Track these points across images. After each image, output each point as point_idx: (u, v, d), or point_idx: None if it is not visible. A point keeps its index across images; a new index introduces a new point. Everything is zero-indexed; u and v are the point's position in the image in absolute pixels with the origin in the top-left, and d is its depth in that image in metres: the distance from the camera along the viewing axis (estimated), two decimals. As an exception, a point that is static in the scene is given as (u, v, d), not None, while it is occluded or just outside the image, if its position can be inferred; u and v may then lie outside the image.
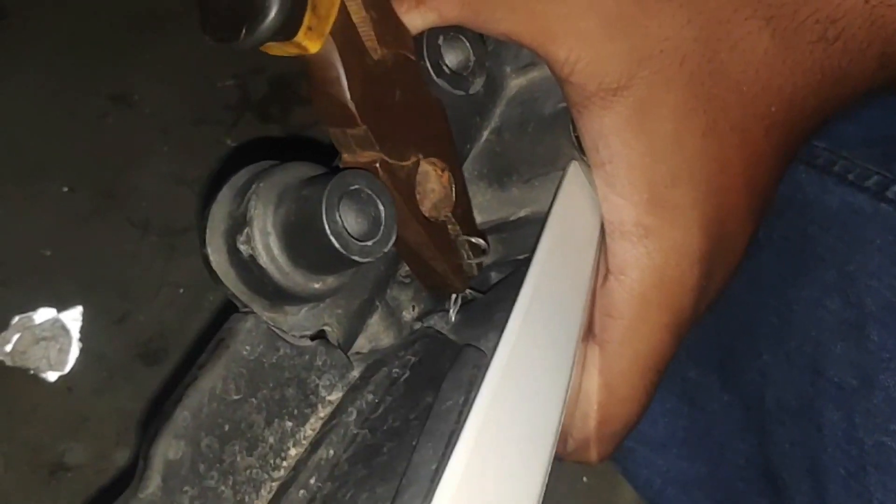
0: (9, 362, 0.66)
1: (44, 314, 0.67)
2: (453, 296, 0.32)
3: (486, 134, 0.34)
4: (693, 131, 0.30)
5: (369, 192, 0.26)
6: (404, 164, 0.28)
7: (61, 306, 0.68)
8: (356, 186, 0.26)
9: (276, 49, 0.25)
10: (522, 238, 0.33)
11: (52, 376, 0.66)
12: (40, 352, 0.65)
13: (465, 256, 0.31)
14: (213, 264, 0.26)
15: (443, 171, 0.30)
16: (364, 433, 0.27)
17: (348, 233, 0.25)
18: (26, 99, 0.78)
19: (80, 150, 0.76)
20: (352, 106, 0.26)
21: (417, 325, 0.33)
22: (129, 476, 0.24)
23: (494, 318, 0.29)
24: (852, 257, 0.44)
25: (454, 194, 0.30)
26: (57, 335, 0.66)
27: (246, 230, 0.25)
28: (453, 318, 0.31)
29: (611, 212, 0.30)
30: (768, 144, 0.32)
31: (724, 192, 0.31)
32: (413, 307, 0.33)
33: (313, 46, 0.25)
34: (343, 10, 0.25)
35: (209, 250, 0.26)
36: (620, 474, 0.58)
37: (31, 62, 0.80)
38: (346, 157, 0.28)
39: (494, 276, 0.34)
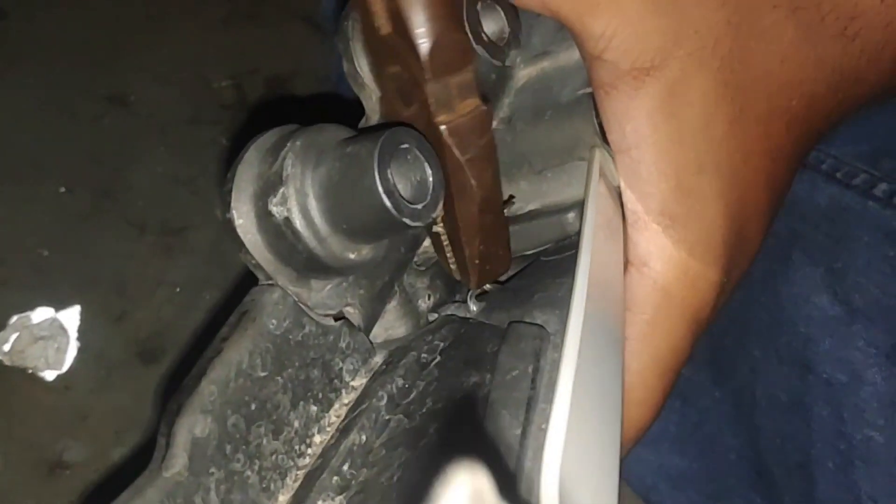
0: (7, 361, 0.66)
1: (41, 314, 0.67)
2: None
3: (494, 123, 0.33)
4: (720, 119, 0.29)
5: (417, 152, 0.24)
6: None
7: (59, 306, 0.68)
8: (406, 145, 0.24)
9: None
10: (535, 232, 0.32)
11: (50, 375, 0.66)
12: (38, 351, 0.65)
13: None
14: (239, 230, 0.24)
15: None
16: (398, 418, 0.26)
17: (400, 193, 0.23)
18: (23, 100, 0.79)
19: (77, 150, 0.77)
20: (467, 41, 0.24)
21: (433, 316, 0.31)
22: (139, 462, 0.22)
23: (534, 299, 0.28)
24: (840, 254, 0.44)
25: None
26: (55, 334, 0.66)
27: (281, 190, 0.23)
28: (473, 308, 0.30)
29: (634, 200, 0.29)
30: (788, 140, 0.31)
31: (746, 186, 0.30)
32: (428, 296, 0.32)
33: None
34: None
35: (235, 214, 0.24)
36: (613, 470, 0.58)
37: (29, 63, 0.81)
38: (441, 118, 0.26)
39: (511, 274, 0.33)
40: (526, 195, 0.32)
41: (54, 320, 0.67)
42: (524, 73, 0.34)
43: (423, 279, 0.32)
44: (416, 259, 0.32)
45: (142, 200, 0.75)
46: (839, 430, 0.44)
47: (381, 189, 0.23)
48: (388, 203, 0.23)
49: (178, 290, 0.71)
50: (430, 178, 0.24)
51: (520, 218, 0.32)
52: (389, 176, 0.23)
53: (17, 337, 0.66)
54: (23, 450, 0.64)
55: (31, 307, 0.67)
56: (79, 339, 0.67)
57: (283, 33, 0.84)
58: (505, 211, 0.30)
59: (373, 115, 0.31)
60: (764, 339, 0.48)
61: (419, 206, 0.24)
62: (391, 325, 0.30)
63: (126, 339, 0.69)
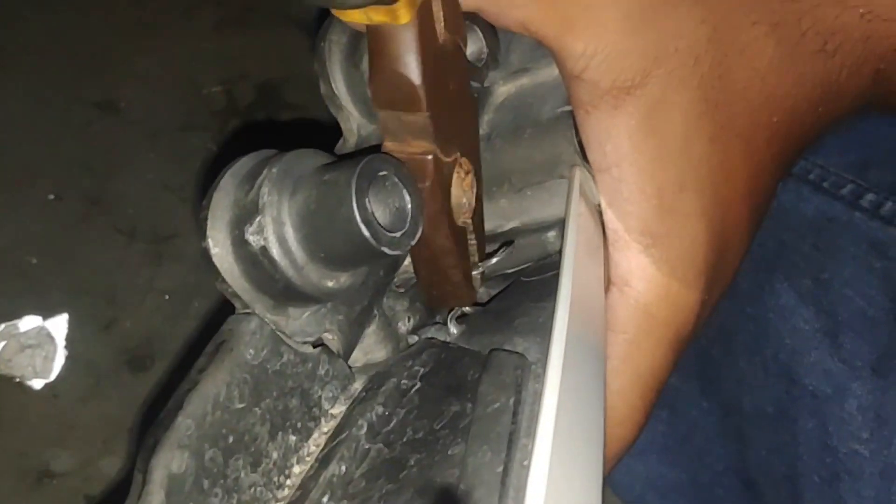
0: (-5, 370, 0.66)
1: (29, 322, 0.67)
2: (455, 309, 0.31)
3: None
4: (701, 136, 0.29)
5: (396, 180, 0.24)
6: (448, 160, 0.27)
7: (47, 314, 0.68)
8: (384, 173, 0.24)
9: (361, 16, 0.23)
10: (515, 251, 0.32)
11: (37, 384, 0.66)
12: (26, 360, 0.65)
13: (475, 266, 0.30)
14: (215, 258, 0.24)
15: (467, 173, 0.29)
16: (378, 447, 0.26)
17: (378, 222, 0.23)
18: (14, 106, 0.79)
19: (67, 157, 0.77)
20: (421, 90, 0.25)
21: (413, 339, 0.31)
22: (122, 489, 0.22)
23: (515, 325, 0.28)
24: (826, 266, 0.44)
25: (474, 199, 0.29)
26: (42, 343, 0.66)
27: (258, 219, 0.23)
28: (454, 331, 0.30)
29: (616, 219, 0.29)
30: (769, 156, 0.31)
31: (728, 203, 0.30)
32: (408, 318, 0.32)
33: (405, 16, 0.23)
34: None
35: (210, 243, 0.24)
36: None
37: (19, 70, 0.81)
38: (388, 145, 0.26)
39: (483, 290, 0.33)
40: (506, 213, 0.32)
41: (42, 329, 0.67)
42: (503, 90, 0.34)
43: (402, 301, 0.32)
44: (395, 281, 0.32)
45: (131, 208, 0.75)
46: (825, 443, 0.44)
47: (359, 218, 0.23)
48: (366, 233, 0.23)
49: (167, 297, 0.71)
50: (409, 206, 0.24)
51: (500, 237, 0.32)
52: (367, 205, 0.23)
53: (5, 345, 0.66)
54: (10, 458, 0.64)
55: (19, 315, 0.68)
56: (67, 347, 0.68)
57: (273, 39, 0.84)
58: (482, 266, 0.30)
59: (350, 137, 0.31)
60: (750, 350, 0.48)
61: (397, 235, 0.24)
62: (371, 349, 0.30)
63: (115, 347, 0.69)
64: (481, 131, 0.33)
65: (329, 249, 0.24)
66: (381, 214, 0.24)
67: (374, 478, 0.25)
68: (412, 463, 0.25)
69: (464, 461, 0.23)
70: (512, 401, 0.24)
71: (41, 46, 0.83)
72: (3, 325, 0.67)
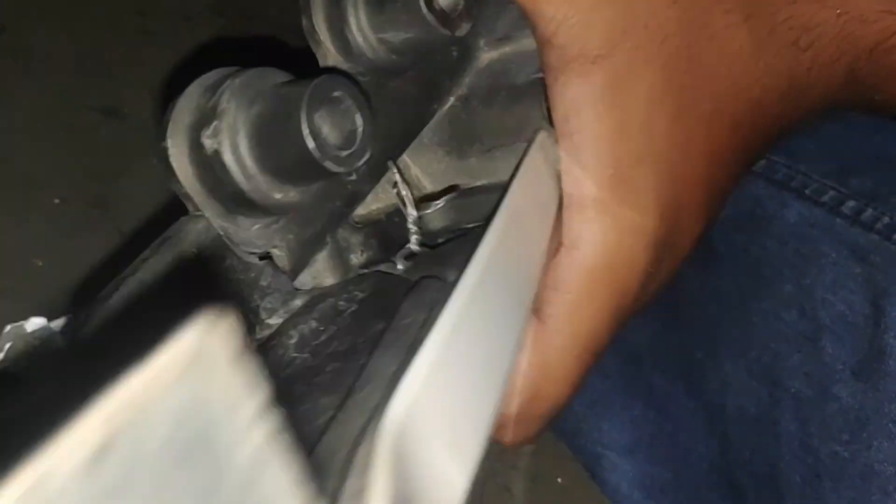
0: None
1: (34, 323, 0.68)
2: (408, 246, 0.32)
3: (452, 100, 0.34)
4: (663, 115, 0.30)
5: (351, 102, 0.25)
6: None
7: (52, 315, 0.69)
8: (339, 94, 0.25)
9: None
10: (476, 206, 0.33)
11: (43, 384, 0.67)
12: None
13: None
14: (172, 158, 0.25)
15: None
16: (304, 357, 0.26)
17: (325, 138, 0.24)
18: (20, 112, 0.80)
19: (72, 162, 0.78)
20: None
21: (363, 272, 0.32)
22: None
23: (454, 260, 0.29)
24: (809, 271, 0.45)
25: None
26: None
27: (214, 123, 0.24)
28: (400, 266, 0.31)
29: (571, 184, 0.30)
30: (731, 143, 0.32)
31: (684, 183, 0.31)
32: (361, 252, 0.33)
33: None
34: None
35: (169, 143, 0.25)
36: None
37: (26, 76, 0.82)
38: None
39: (442, 241, 0.34)
40: (475, 172, 0.33)
41: (47, 329, 0.68)
42: (487, 56, 0.35)
43: (357, 235, 0.33)
44: (354, 215, 0.32)
45: (135, 211, 0.76)
46: (806, 445, 0.45)
47: (305, 130, 0.23)
48: (310, 144, 0.23)
49: (169, 299, 0.72)
50: (360, 129, 0.25)
51: (466, 193, 0.33)
52: (316, 119, 0.24)
53: (11, 346, 0.67)
54: (16, 457, 0.65)
55: (25, 316, 0.69)
56: (71, 348, 0.69)
57: (272, 46, 0.85)
58: (443, 200, 0.32)
59: None
60: (734, 353, 0.48)
61: (343, 153, 0.24)
62: (319, 275, 0.31)
63: (118, 348, 0.70)
64: (461, 92, 0.34)
65: (277, 160, 0.24)
66: (332, 134, 0.24)
67: (292, 382, 0.25)
68: (328, 370, 0.25)
69: (366, 367, 0.24)
70: (423, 317, 0.25)
71: (47, 54, 0.84)
72: (9, 326, 0.68)
